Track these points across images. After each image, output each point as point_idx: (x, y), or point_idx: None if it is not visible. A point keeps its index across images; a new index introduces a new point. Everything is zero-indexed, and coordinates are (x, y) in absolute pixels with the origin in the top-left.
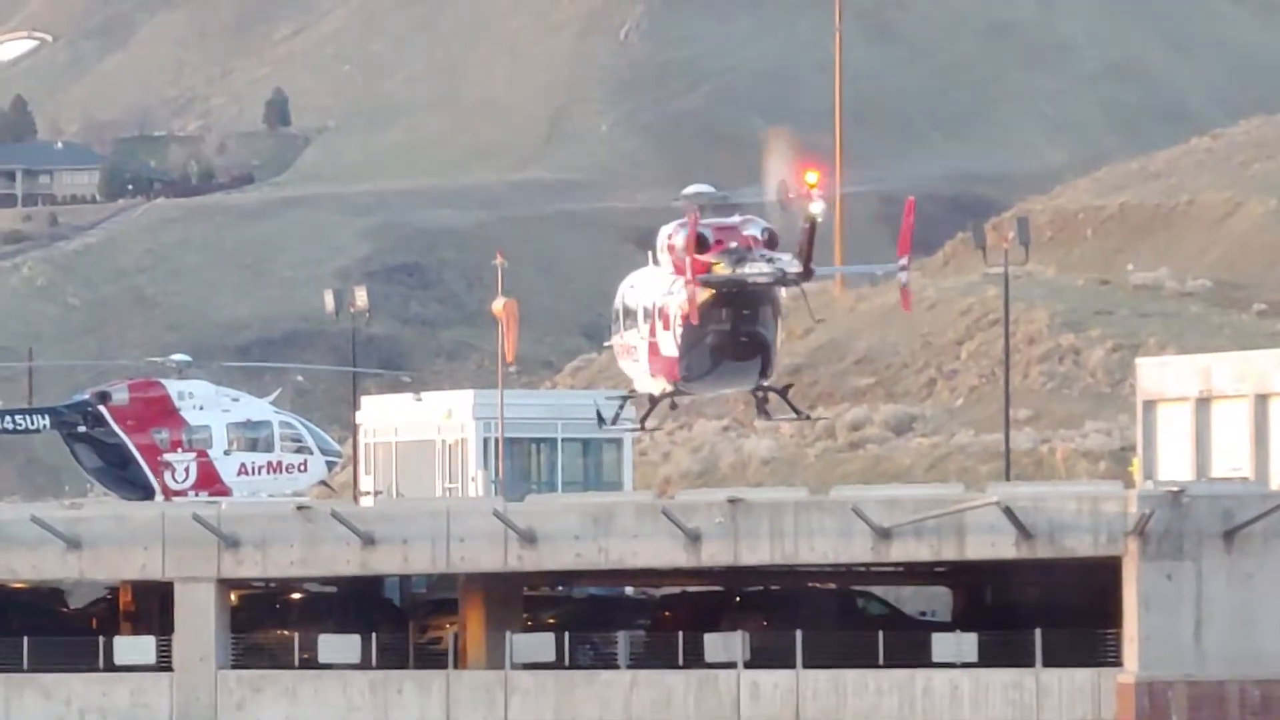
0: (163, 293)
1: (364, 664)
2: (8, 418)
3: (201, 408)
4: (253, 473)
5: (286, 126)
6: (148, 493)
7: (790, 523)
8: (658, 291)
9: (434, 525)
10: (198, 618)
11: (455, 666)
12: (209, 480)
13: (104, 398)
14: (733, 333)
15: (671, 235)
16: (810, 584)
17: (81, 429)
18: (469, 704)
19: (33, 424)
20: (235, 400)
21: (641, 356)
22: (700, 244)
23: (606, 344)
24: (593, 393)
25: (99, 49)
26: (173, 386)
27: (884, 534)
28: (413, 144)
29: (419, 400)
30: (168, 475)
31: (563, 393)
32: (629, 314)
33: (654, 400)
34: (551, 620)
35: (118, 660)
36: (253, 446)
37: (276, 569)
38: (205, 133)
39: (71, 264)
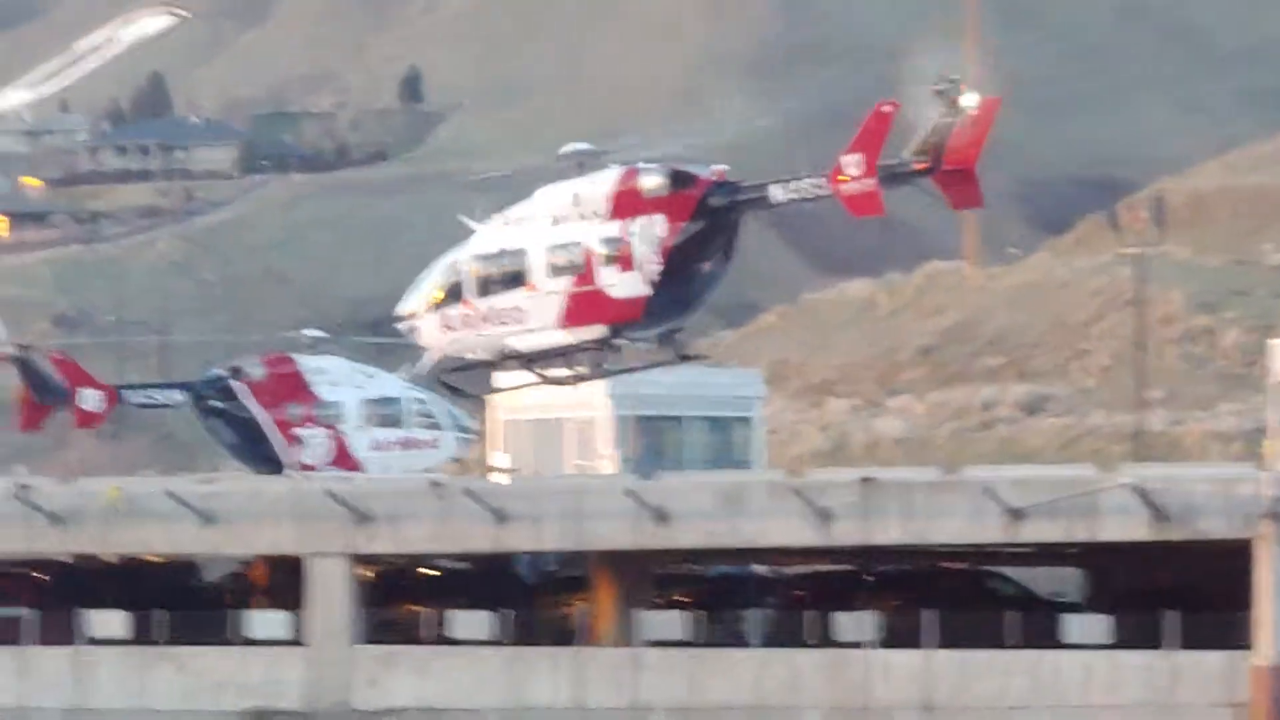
0: (296, 268)
1: (495, 640)
2: (143, 392)
3: (335, 383)
4: (385, 448)
5: (420, 103)
6: (280, 467)
7: (921, 503)
8: (589, 236)
9: (566, 503)
10: (330, 593)
11: (586, 643)
12: (341, 455)
13: (238, 373)
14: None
15: (625, 179)
16: (941, 564)
17: (216, 404)
18: (599, 681)
19: (168, 398)
20: (369, 376)
21: (551, 308)
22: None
23: (408, 315)
24: (728, 370)
25: (236, 26)
26: (306, 362)
27: (1015, 514)
28: (543, 121)
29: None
30: (300, 450)
31: (693, 371)
32: (504, 278)
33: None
34: (682, 598)
35: (251, 635)
36: (385, 422)
37: (408, 545)
38: (340, 109)
39: (206, 240)
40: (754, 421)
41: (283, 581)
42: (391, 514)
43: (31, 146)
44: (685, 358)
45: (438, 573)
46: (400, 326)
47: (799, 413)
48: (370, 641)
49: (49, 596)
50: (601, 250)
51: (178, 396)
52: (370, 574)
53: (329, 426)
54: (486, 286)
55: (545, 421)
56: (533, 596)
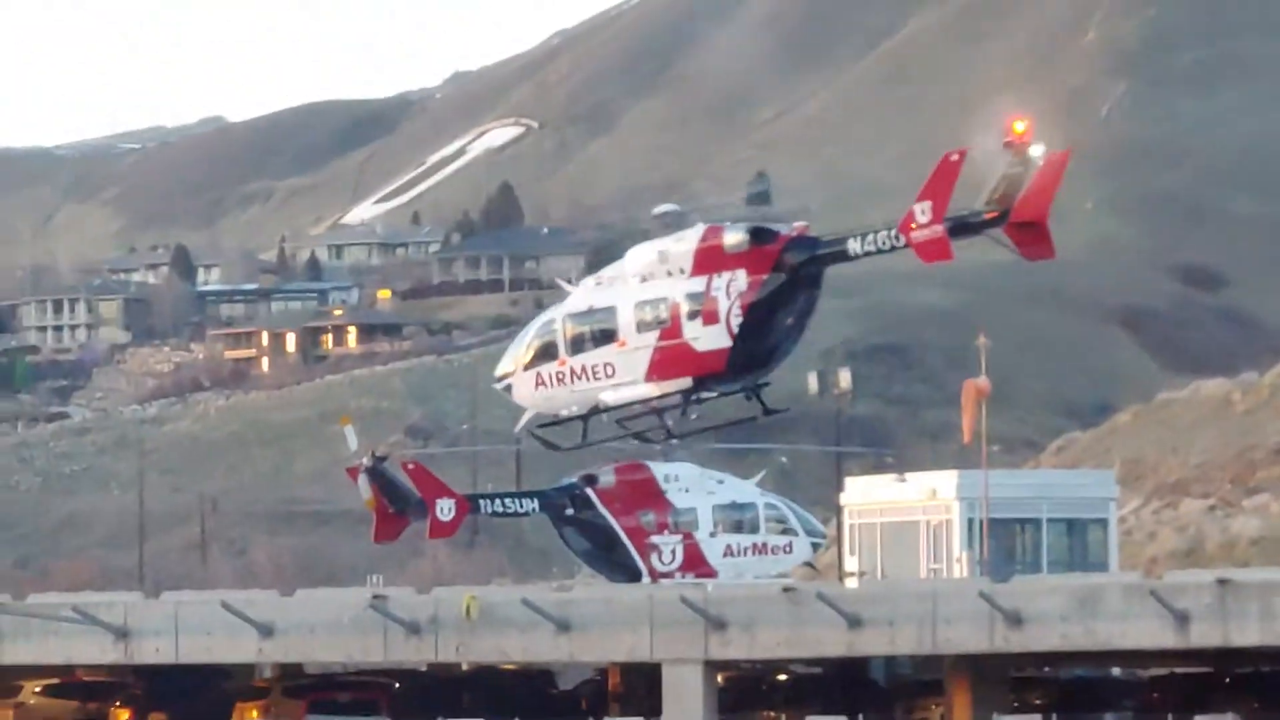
0: None
1: None
2: (497, 500)
3: (687, 490)
4: (738, 554)
5: (769, 207)
6: (635, 575)
7: None
8: (675, 292)
9: (920, 606)
10: (686, 699)
11: None
12: (695, 562)
13: (591, 481)
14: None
15: (708, 235)
16: None
17: (569, 512)
18: None
19: (522, 507)
20: (720, 482)
21: (639, 363)
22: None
23: (506, 375)
24: (1082, 472)
25: (583, 135)
26: (658, 469)
27: None
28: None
29: (903, 481)
30: (654, 557)
31: (1046, 472)
32: (595, 335)
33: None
34: (1038, 702)
35: None
36: (738, 528)
37: (763, 650)
38: (689, 215)
39: None
40: (1108, 523)
41: (639, 688)
42: (746, 620)
43: (384, 259)
44: (770, 412)
45: (790, 678)
46: (497, 386)
47: (1153, 513)
48: None
49: (407, 706)
50: (687, 305)
51: (531, 505)
52: (724, 680)
53: (682, 533)
54: (579, 344)
55: (897, 525)
56: (887, 701)
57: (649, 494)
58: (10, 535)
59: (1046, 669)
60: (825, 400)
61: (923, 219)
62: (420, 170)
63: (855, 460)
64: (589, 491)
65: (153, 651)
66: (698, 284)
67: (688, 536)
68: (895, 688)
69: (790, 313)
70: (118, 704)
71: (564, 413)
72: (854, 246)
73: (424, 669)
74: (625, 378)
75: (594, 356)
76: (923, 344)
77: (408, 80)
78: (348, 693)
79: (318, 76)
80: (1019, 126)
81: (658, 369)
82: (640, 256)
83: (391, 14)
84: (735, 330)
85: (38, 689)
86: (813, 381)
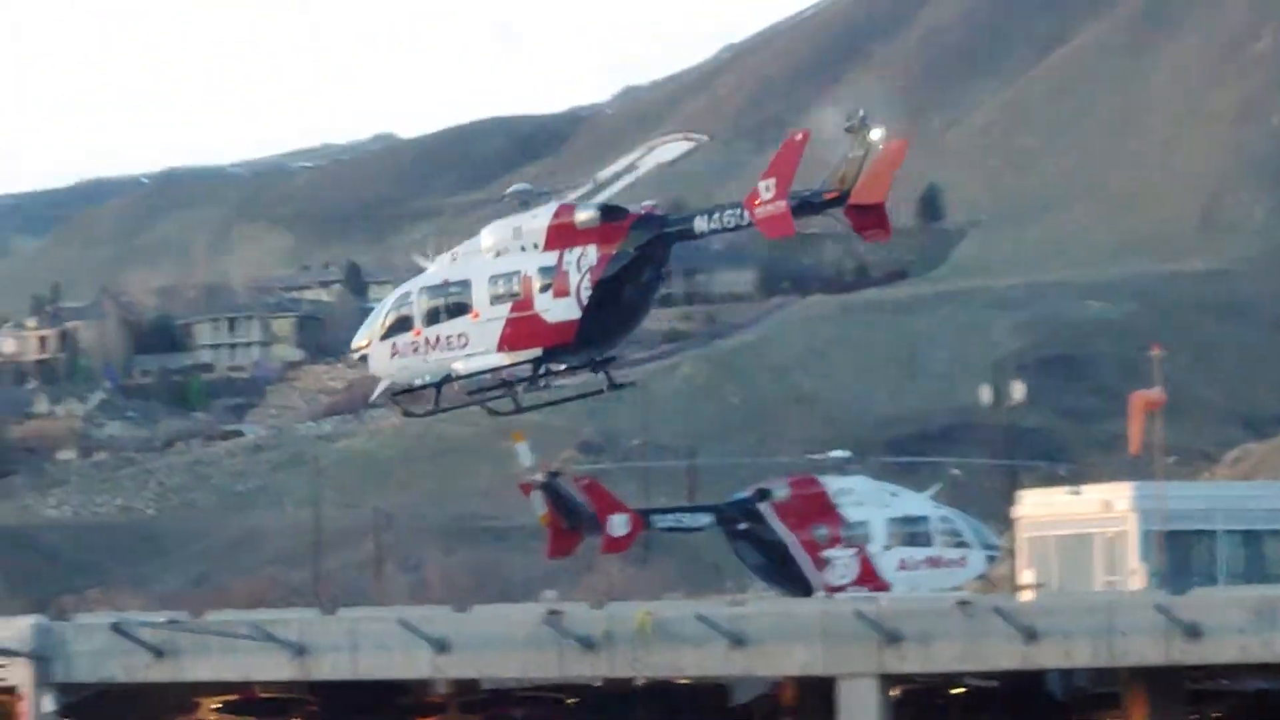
0: (819, 389)
1: None
2: (671, 516)
3: (861, 504)
4: (912, 568)
5: (939, 221)
6: (808, 589)
7: None
8: (528, 266)
9: (1096, 619)
10: (861, 713)
11: None
12: (868, 576)
13: (764, 495)
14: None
15: (560, 213)
16: None
17: (743, 526)
18: None
19: (695, 522)
20: (894, 495)
21: (492, 333)
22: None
23: (361, 347)
24: (1259, 484)
25: (753, 149)
26: (832, 483)
27: None
28: (1064, 236)
29: (1078, 493)
30: (828, 571)
31: (1222, 484)
32: (449, 307)
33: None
34: (1216, 715)
35: None
36: (912, 541)
37: (938, 664)
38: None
39: (729, 362)
40: None
41: (812, 703)
42: (921, 633)
43: None
44: (615, 386)
45: (965, 691)
46: (353, 356)
47: None
48: None
49: None
50: (539, 279)
51: (704, 520)
52: (898, 693)
53: (856, 547)
54: (434, 316)
55: (1072, 537)
56: (1063, 714)
57: (822, 508)
58: (186, 553)
59: (1225, 681)
60: (997, 413)
61: (767, 195)
62: (591, 187)
63: (1028, 473)
64: (762, 506)
65: (329, 668)
66: (550, 258)
67: (861, 550)
68: (1071, 701)
69: (638, 288)
70: (294, 719)
71: (417, 381)
72: (700, 224)
73: (598, 684)
74: (478, 348)
75: (448, 327)
76: (1094, 356)
77: (578, 95)
78: (523, 708)
79: (488, 92)
80: (860, 112)
81: (509, 340)
82: (495, 232)
83: (561, 29)
84: (584, 303)
85: (216, 706)
86: (985, 394)
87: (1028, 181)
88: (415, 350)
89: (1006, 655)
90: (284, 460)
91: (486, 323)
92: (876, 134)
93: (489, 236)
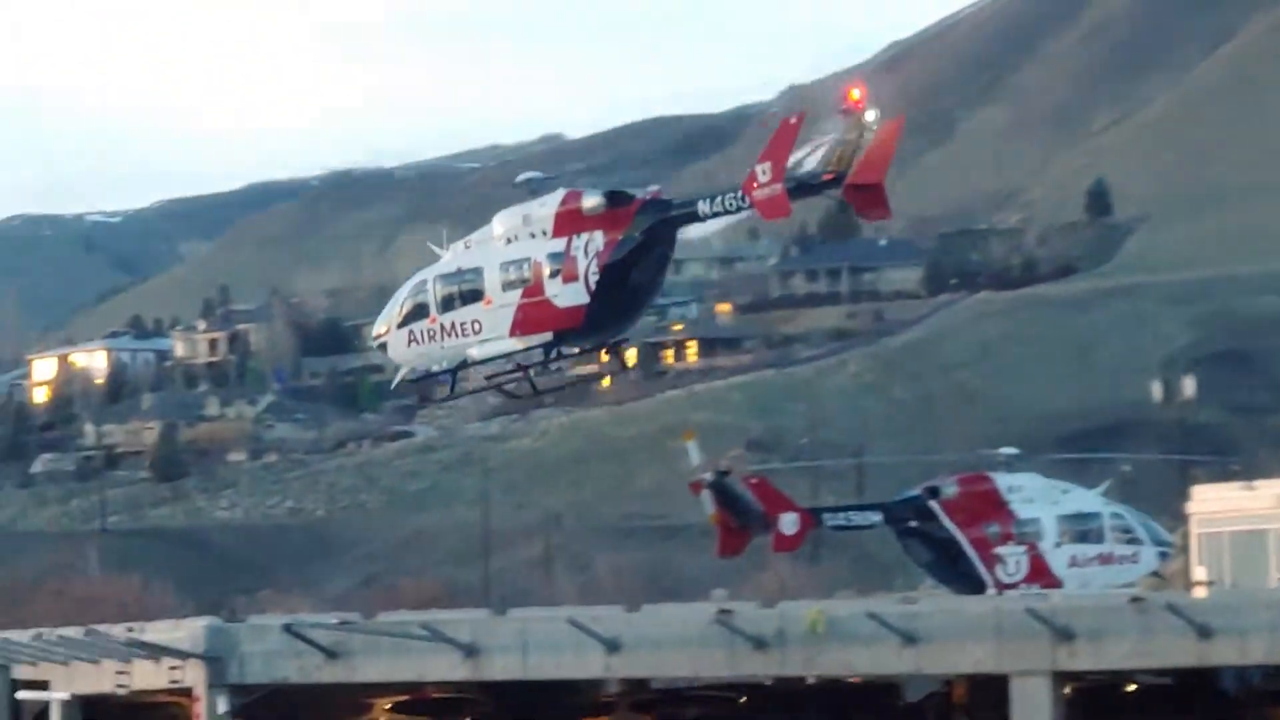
0: (988, 386)
1: None
2: (840, 514)
3: (1031, 500)
4: (1084, 564)
5: (1107, 216)
6: (979, 586)
7: None
8: (537, 252)
9: (1271, 615)
10: (1033, 711)
11: None
12: (1039, 573)
13: (934, 493)
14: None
15: (568, 199)
16: None
17: (913, 524)
18: None
19: (865, 520)
20: (1064, 492)
21: (504, 319)
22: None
23: (380, 335)
24: None
25: (921, 145)
26: (1002, 480)
27: None
28: (1235, 231)
29: (1252, 489)
30: (999, 568)
31: None
32: (463, 294)
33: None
34: None
35: None
36: (1083, 538)
37: (1110, 661)
38: (1026, 225)
39: (897, 359)
40: None
41: (984, 701)
42: (1093, 630)
43: (722, 273)
44: (627, 368)
45: (1139, 688)
46: (373, 344)
47: None
48: None
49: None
50: (548, 265)
51: (874, 518)
52: (1071, 691)
53: (1027, 544)
54: (449, 303)
55: (1246, 533)
56: (1236, 711)
57: (993, 505)
58: (357, 554)
59: None
60: (1168, 408)
61: (764, 179)
62: None
63: (1201, 469)
64: (932, 504)
65: (501, 668)
66: (558, 245)
67: (1032, 547)
68: (1245, 698)
69: (644, 271)
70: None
71: (435, 367)
72: (704, 208)
73: (769, 683)
74: (491, 334)
75: (462, 314)
76: (1266, 350)
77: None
78: (694, 707)
79: (654, 92)
80: (855, 94)
81: (521, 325)
82: (506, 220)
83: (727, 28)
84: (592, 287)
85: (388, 706)
86: (1156, 390)
87: (1198, 175)
88: (432, 337)
89: (1180, 652)
90: (453, 461)
91: (499, 309)
92: (871, 115)
93: (500, 224)
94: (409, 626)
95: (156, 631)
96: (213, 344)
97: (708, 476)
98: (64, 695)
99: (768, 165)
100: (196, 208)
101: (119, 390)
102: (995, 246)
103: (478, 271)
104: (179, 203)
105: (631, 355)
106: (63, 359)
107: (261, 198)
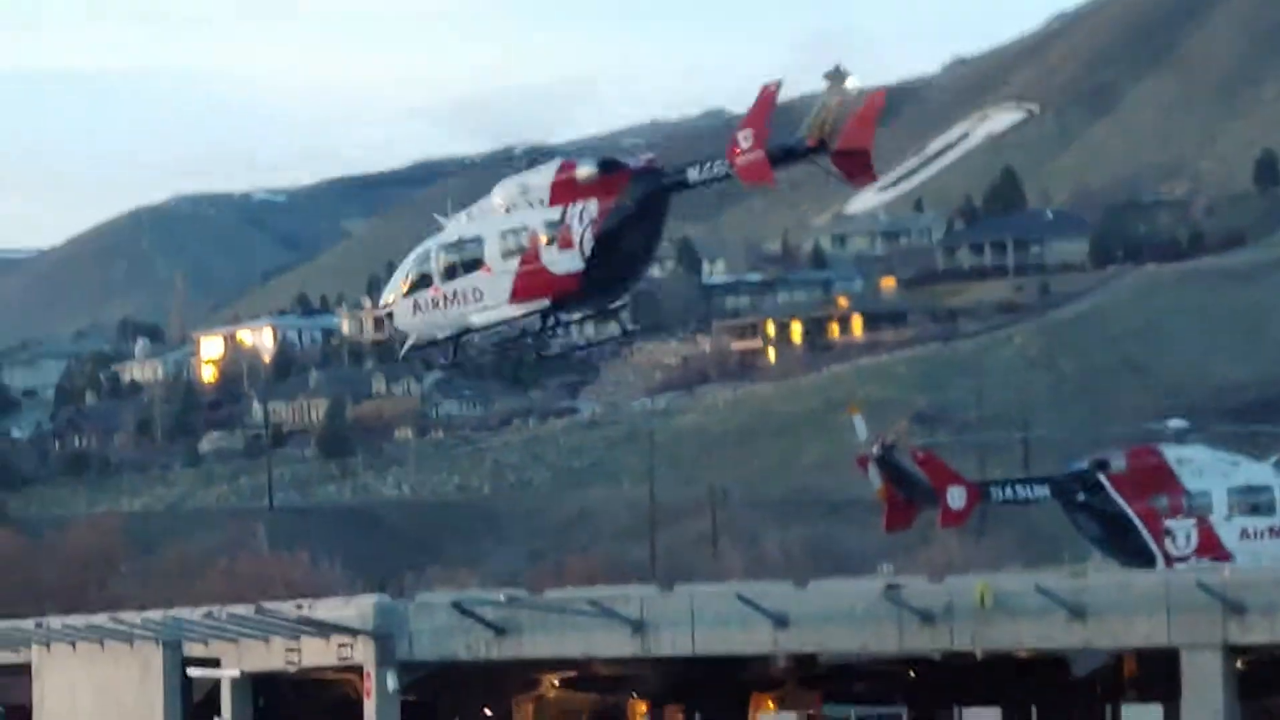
0: (1155, 358)
1: None
2: (1008, 487)
3: (1200, 473)
4: (1255, 537)
5: (1277, 186)
6: (1149, 559)
7: None
8: (534, 221)
9: None
10: (1206, 685)
11: None
12: (1210, 546)
13: (1102, 466)
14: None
15: (563, 169)
16: None
17: (1080, 497)
18: None
19: (1032, 493)
20: (1234, 464)
21: (504, 287)
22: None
23: (387, 304)
24: None
25: (1085, 117)
26: (1170, 452)
27: None
28: None
29: None
30: (1168, 541)
31: None
32: (465, 263)
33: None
34: None
35: None
36: (1254, 511)
37: None
38: (1194, 196)
39: (1063, 333)
40: None
41: (1155, 675)
42: (1266, 604)
43: (887, 247)
44: (628, 333)
45: None
46: (379, 314)
47: None
48: None
49: (921, 695)
50: (545, 233)
51: (1042, 491)
52: (1243, 664)
53: (1197, 516)
54: (451, 272)
55: None
56: None
57: (1161, 478)
58: (523, 530)
59: None
60: None
61: (745, 145)
62: (922, 158)
63: None
64: (1100, 476)
65: (669, 644)
66: (554, 213)
67: (1202, 520)
68: None
69: (638, 238)
70: (634, 696)
71: (439, 335)
72: (693, 175)
73: (937, 657)
74: (491, 301)
75: (464, 283)
76: None
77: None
78: (863, 682)
79: (813, 65)
80: (836, 65)
81: (520, 292)
82: (504, 190)
83: (890, 1)
84: (587, 254)
85: (556, 682)
86: None
87: None
88: (435, 305)
89: None
90: (619, 437)
91: (499, 276)
92: (852, 82)
93: (499, 194)
94: (577, 603)
95: (326, 609)
96: (378, 322)
97: (874, 451)
98: (234, 672)
99: (749, 132)
100: (361, 185)
101: (286, 368)
102: (1162, 218)
103: (478, 241)
104: (344, 180)
105: (797, 330)
106: (230, 337)
107: (426, 175)
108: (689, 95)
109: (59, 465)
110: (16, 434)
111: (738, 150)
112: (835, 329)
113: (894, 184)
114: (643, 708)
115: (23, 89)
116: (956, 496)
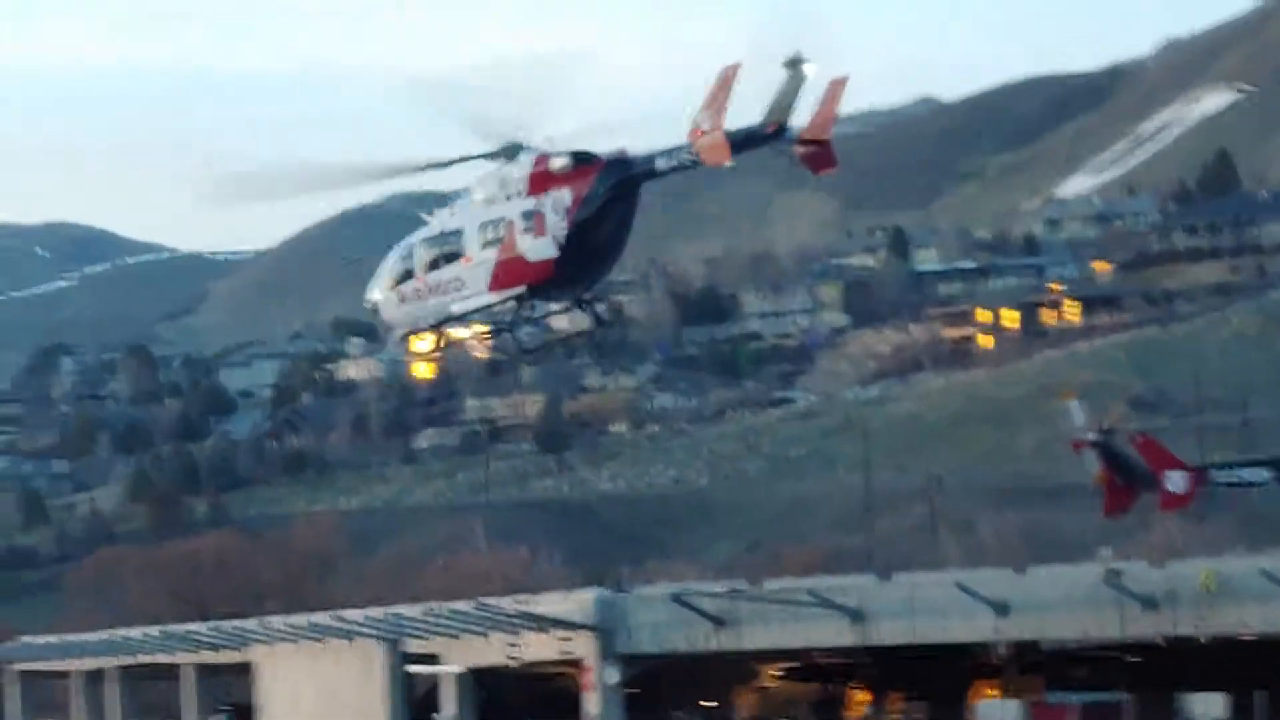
0: None
1: None
2: (1230, 470)
3: None
4: None
5: None
6: None
7: None
8: (512, 211)
9: None
10: None
11: None
12: None
13: None
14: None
15: (539, 161)
16: None
17: None
18: None
19: (1255, 476)
20: None
21: (482, 276)
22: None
23: (375, 298)
24: None
25: None
26: None
27: None
28: None
29: None
30: None
31: None
32: (446, 255)
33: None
34: None
35: None
36: None
37: None
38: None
39: None
40: None
41: None
42: None
43: (1100, 231)
44: (602, 324)
45: None
46: (367, 307)
47: None
48: None
49: (1145, 681)
50: (521, 223)
51: (1264, 474)
52: None
53: None
54: (434, 264)
55: None
56: None
57: None
58: (739, 521)
59: None
60: None
61: (706, 126)
62: (1134, 141)
63: None
64: None
65: (888, 633)
66: (530, 203)
67: None
68: None
69: (610, 226)
70: (854, 685)
71: (422, 325)
72: (661, 163)
73: (1160, 643)
74: (471, 290)
75: (445, 273)
76: None
77: (1119, 50)
78: (1083, 668)
79: (1028, 51)
80: (795, 51)
81: (497, 280)
82: (484, 184)
83: None
84: (561, 242)
85: (775, 673)
86: None
87: None
88: (419, 296)
89: None
90: (834, 426)
91: (478, 266)
92: (809, 69)
93: (479, 189)
94: (796, 593)
95: (546, 604)
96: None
97: (1092, 436)
98: (457, 668)
99: (709, 113)
100: None
101: (500, 364)
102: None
103: (459, 233)
104: None
105: (1010, 316)
106: (443, 334)
107: None
108: (901, 82)
109: (277, 465)
110: (235, 435)
111: (700, 132)
112: (1049, 314)
113: (1106, 167)
114: (864, 696)
115: (240, 91)
116: (1176, 480)
